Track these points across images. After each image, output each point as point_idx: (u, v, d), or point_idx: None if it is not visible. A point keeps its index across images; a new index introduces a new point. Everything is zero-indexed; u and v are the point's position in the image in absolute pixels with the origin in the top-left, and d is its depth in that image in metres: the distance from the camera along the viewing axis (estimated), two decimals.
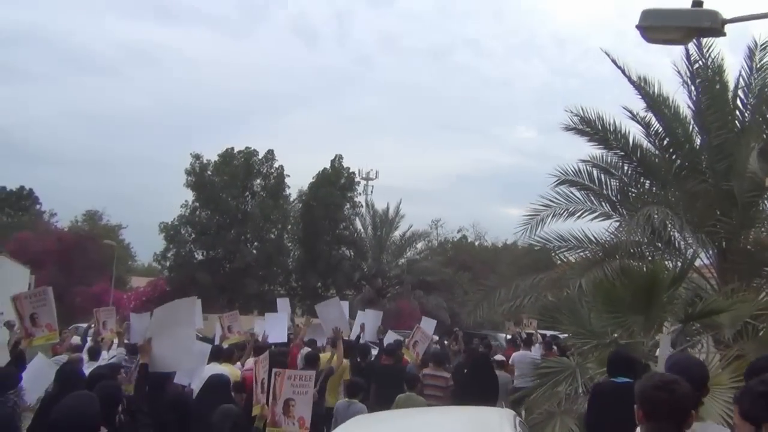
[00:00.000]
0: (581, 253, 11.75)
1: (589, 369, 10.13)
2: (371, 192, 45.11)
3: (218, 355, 9.23)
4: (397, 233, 42.52)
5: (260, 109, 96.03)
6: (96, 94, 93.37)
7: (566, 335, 9.91)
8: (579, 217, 11.90)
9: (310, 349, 10.92)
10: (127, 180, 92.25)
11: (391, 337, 13.03)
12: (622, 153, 12.44)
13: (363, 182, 45.11)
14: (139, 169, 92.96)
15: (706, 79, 11.48)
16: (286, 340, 11.92)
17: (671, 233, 11.28)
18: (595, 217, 11.92)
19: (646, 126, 11.90)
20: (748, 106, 11.73)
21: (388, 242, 42.43)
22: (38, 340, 7.87)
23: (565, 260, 11.66)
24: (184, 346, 6.88)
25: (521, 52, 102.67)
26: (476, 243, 53.33)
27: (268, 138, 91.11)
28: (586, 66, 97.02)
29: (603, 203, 12.10)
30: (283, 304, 14.59)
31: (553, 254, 12.33)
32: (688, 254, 11.03)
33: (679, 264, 10.55)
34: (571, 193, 12.21)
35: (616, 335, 9.20)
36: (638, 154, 12.19)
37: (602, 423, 5.35)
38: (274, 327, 12.23)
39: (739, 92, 11.89)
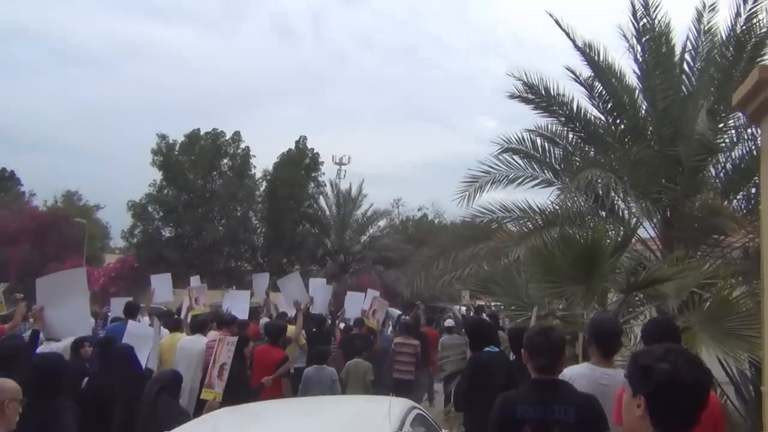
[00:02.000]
0: (524, 223, 10.35)
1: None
2: (344, 176, 43.50)
3: (177, 326, 9.46)
4: (359, 212, 40.98)
5: (238, 101, 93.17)
6: (86, 85, 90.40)
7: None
8: (520, 184, 10.49)
9: (267, 320, 11.00)
10: (112, 165, 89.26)
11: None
12: (566, 119, 11.07)
13: (336, 167, 43.81)
14: (123, 155, 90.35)
15: (652, 39, 10.13)
16: (247, 317, 11.14)
17: (615, 200, 9.97)
18: (537, 184, 10.53)
19: (590, 88, 10.49)
20: (695, 70, 10.43)
21: (351, 220, 40.87)
22: None
23: (506, 230, 10.23)
24: (77, 316, 6.79)
25: (481, 49, 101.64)
26: (436, 221, 51.94)
27: (244, 128, 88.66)
28: (540, 62, 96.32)
29: (545, 170, 10.72)
30: (262, 279, 14.13)
31: (494, 225, 10.91)
32: (632, 223, 9.73)
33: (623, 232, 9.26)
34: (513, 159, 10.80)
35: (554, 306, 7.89)
36: (582, 120, 10.82)
37: (480, 391, 5.15)
38: (237, 304, 11.78)
39: (686, 56, 10.59)
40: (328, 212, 40.80)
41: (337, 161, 44.36)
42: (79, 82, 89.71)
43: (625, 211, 9.93)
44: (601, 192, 9.18)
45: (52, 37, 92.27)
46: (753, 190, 9.79)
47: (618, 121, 10.42)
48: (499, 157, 10.95)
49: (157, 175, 37.15)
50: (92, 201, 57.23)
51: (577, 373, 4.21)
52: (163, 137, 36.43)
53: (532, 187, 10.47)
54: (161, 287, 11.86)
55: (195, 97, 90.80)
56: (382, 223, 43.03)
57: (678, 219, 9.46)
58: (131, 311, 9.61)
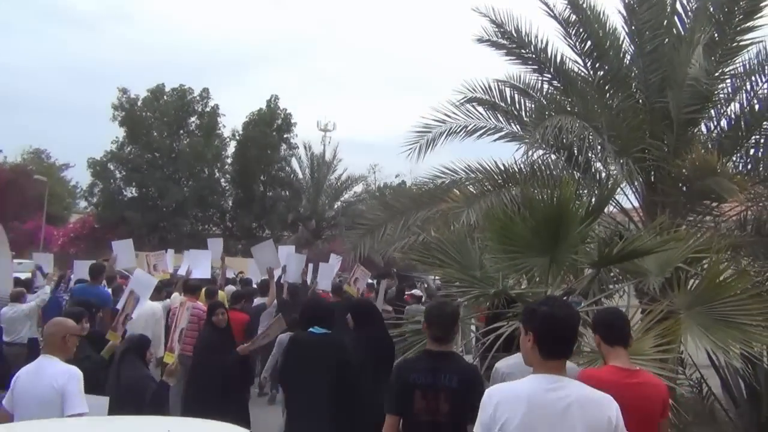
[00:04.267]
0: (484, 184, 8.81)
1: (472, 326, 7.40)
2: (329, 142, 41.55)
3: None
4: (333, 176, 39.41)
5: (223, 65, 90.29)
6: (70, 45, 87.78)
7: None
8: (481, 136, 8.92)
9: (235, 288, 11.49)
10: (88, 125, 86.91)
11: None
12: (540, 67, 9.51)
13: (321, 133, 41.97)
14: (101, 115, 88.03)
15: None
16: (209, 276, 11.73)
17: (590, 159, 8.49)
18: (501, 137, 8.97)
19: (566, 24, 8.88)
20: (690, 9, 8.85)
21: (326, 185, 39.31)
22: None
23: (463, 191, 8.69)
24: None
25: (470, 17, 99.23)
26: (414, 188, 50.45)
27: (227, 92, 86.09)
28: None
29: (512, 123, 9.17)
30: (215, 244, 13.71)
31: (455, 188, 9.36)
32: (609, 185, 8.27)
33: (597, 195, 7.80)
34: (475, 109, 9.23)
35: (510, 282, 6.46)
36: (557, 67, 9.24)
37: (297, 373, 5.15)
38: (198, 264, 11.82)
39: None
40: (301, 176, 39.20)
41: (322, 127, 42.53)
42: (64, 41, 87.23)
43: (603, 172, 8.47)
44: (573, 145, 7.70)
45: None
46: (752, 151, 8.38)
47: (597, 65, 8.87)
48: (460, 107, 9.40)
49: (120, 133, 35.25)
50: (62, 160, 54.86)
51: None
52: (124, 91, 34.41)
53: (496, 140, 8.93)
54: (123, 253, 11.54)
55: (173, 57, 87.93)
56: (358, 188, 41.53)
57: (663, 181, 8.01)
58: (95, 273, 9.37)
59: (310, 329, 5.32)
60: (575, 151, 8.63)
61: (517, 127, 9.14)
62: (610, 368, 3.65)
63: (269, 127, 36.25)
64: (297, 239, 34.77)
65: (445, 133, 8.90)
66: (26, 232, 36.57)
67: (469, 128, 8.95)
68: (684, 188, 7.73)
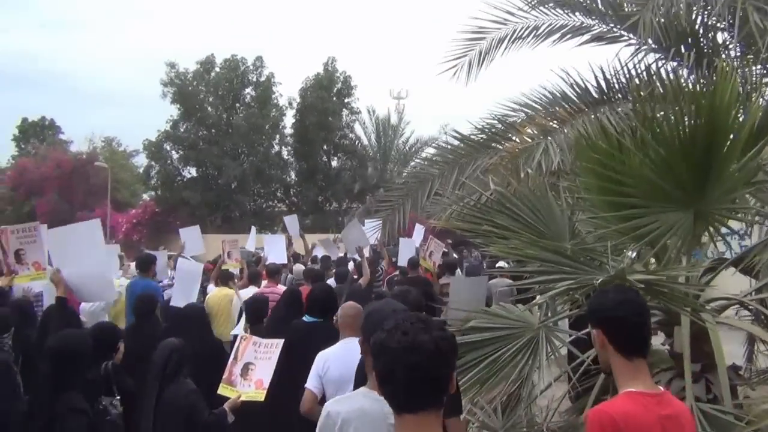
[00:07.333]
0: (568, 109, 6.01)
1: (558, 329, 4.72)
2: (403, 110, 39.17)
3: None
4: (401, 141, 36.89)
5: (280, 32, 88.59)
6: (135, 34, 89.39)
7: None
8: (560, 39, 6.10)
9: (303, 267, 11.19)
10: (157, 113, 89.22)
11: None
12: None
13: (395, 101, 39.84)
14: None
15: None
16: (285, 261, 11.66)
17: (725, 64, 5.60)
18: (592, 40, 6.12)
19: None
20: None
21: (393, 151, 36.82)
22: (21, 279, 6.73)
23: (538, 123, 5.94)
24: (98, 277, 6.01)
25: None
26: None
27: (284, 60, 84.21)
28: None
29: (607, 21, 6.32)
30: (291, 221, 13.91)
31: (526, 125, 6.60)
32: None
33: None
34: (550, 10, 6.40)
35: (627, 258, 3.87)
36: None
37: (293, 361, 4.95)
38: (274, 248, 12.05)
39: None
40: (366, 142, 36.88)
41: (395, 95, 40.21)
42: (125, 30, 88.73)
43: (755, 71, 5.55)
44: (701, 41, 4.86)
45: None
46: None
47: None
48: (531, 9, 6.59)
49: (174, 111, 33.79)
50: (133, 147, 54.73)
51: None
52: (172, 66, 32.77)
53: (582, 44, 6.09)
54: (191, 240, 11.59)
55: (227, 26, 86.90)
56: (430, 151, 38.88)
57: None
58: (146, 266, 8.76)
59: (303, 318, 5.42)
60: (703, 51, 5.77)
61: (615, 26, 6.28)
62: (636, 396, 2.40)
63: (328, 91, 33.90)
64: (366, 210, 32.62)
65: (507, 38, 6.13)
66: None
67: (541, 30, 6.12)
68: None
